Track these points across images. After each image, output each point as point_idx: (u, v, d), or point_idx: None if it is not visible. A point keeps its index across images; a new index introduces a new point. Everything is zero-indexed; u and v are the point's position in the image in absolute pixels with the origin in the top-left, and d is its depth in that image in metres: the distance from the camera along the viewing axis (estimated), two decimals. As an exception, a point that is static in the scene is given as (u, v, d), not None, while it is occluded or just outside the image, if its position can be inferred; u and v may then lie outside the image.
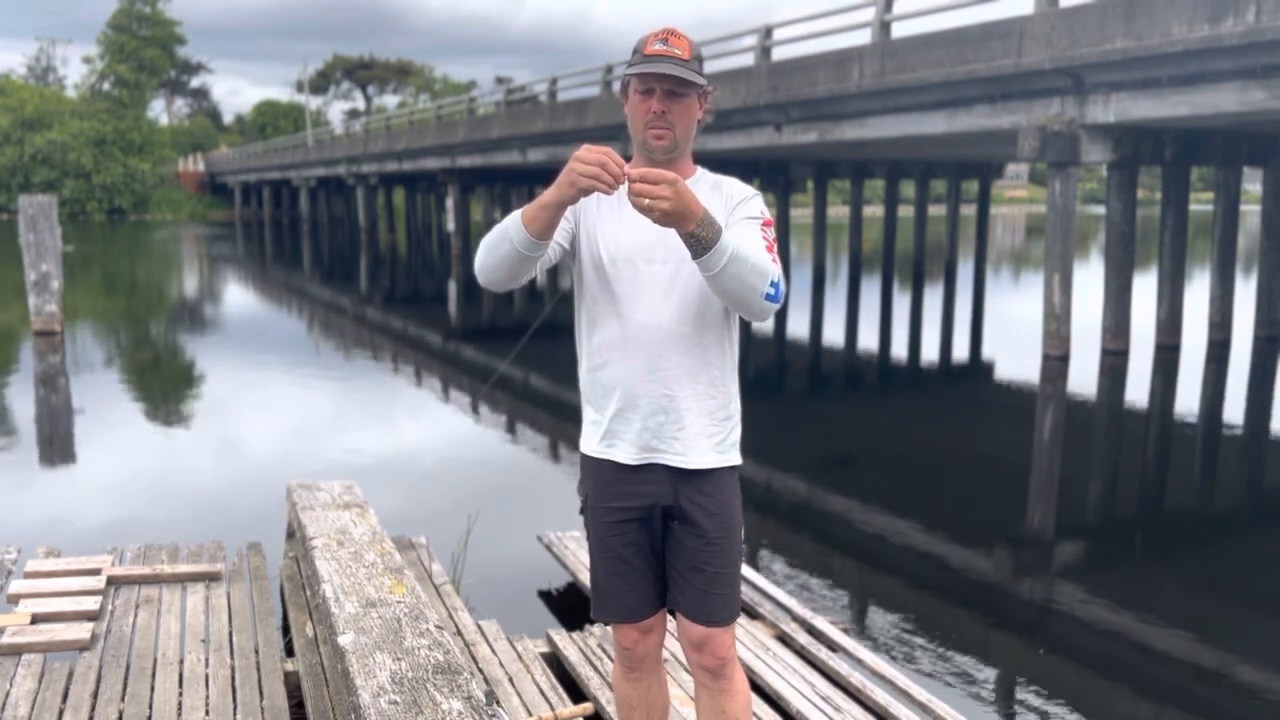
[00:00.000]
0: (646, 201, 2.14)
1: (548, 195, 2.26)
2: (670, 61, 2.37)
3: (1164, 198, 13.99)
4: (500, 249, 2.35)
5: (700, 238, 2.20)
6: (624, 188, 2.19)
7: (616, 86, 2.64)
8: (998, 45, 12.34)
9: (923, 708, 3.67)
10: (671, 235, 2.44)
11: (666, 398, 2.49)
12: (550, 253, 2.46)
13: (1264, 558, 6.19)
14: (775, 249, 2.41)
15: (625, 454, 2.54)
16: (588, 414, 2.63)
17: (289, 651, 4.11)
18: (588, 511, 2.64)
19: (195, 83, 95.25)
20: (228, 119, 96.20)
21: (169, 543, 5.07)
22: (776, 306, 2.35)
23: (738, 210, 2.48)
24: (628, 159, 2.63)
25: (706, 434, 2.52)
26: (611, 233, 2.46)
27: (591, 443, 2.61)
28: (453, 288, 23.55)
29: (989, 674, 4.55)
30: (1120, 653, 4.76)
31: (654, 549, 2.60)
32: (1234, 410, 10.36)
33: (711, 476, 2.55)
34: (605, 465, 2.58)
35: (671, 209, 2.15)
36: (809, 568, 5.82)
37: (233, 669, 3.78)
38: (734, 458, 2.59)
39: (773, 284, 2.31)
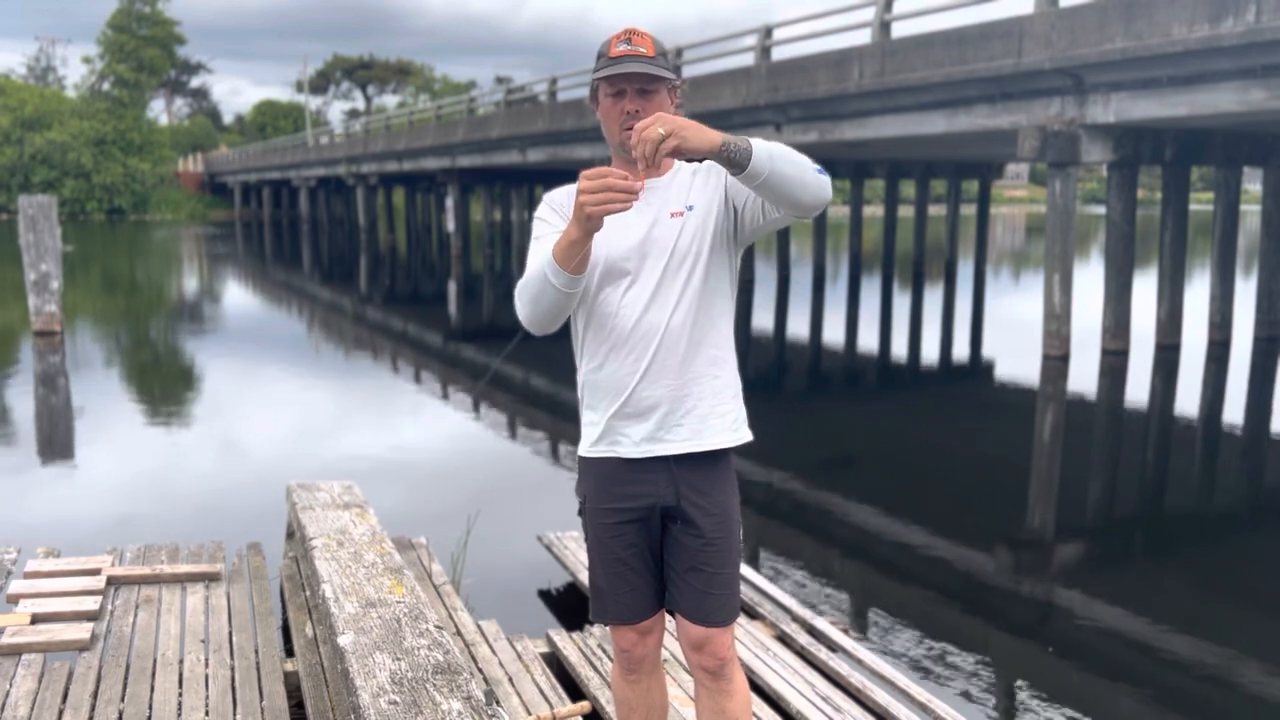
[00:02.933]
0: (674, 143, 2.12)
1: (572, 232, 2.25)
2: (636, 60, 2.38)
3: (1164, 198, 13.99)
4: (545, 298, 2.35)
5: (736, 148, 2.19)
6: (641, 191, 2.20)
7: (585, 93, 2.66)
8: (998, 45, 12.34)
9: (923, 708, 3.67)
10: (662, 229, 2.47)
11: (668, 389, 2.48)
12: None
13: (1264, 558, 6.19)
14: None
15: (627, 450, 2.53)
16: (587, 417, 2.62)
17: (289, 652, 4.10)
18: (586, 513, 2.63)
19: (195, 83, 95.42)
20: (228, 119, 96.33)
21: (169, 543, 5.07)
22: (829, 180, 2.32)
23: (715, 172, 2.51)
24: (609, 162, 2.63)
25: (714, 415, 2.52)
26: (604, 233, 2.47)
27: (588, 444, 2.61)
28: (452, 288, 23.54)
29: (989, 674, 4.55)
30: (1120, 652, 4.76)
31: (653, 550, 2.59)
32: (1234, 410, 10.36)
33: (712, 471, 2.54)
34: (606, 463, 2.56)
35: (688, 132, 2.13)
36: (809, 568, 5.82)
37: (232, 669, 3.78)
38: (744, 434, 2.59)
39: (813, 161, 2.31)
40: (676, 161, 2.55)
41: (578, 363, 2.63)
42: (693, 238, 2.48)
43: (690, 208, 2.50)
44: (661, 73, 2.40)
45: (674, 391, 2.49)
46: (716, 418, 2.52)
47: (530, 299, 2.38)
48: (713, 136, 2.18)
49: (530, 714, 3.53)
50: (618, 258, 2.47)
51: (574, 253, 2.28)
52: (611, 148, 2.52)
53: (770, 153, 2.22)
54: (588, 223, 2.22)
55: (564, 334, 2.69)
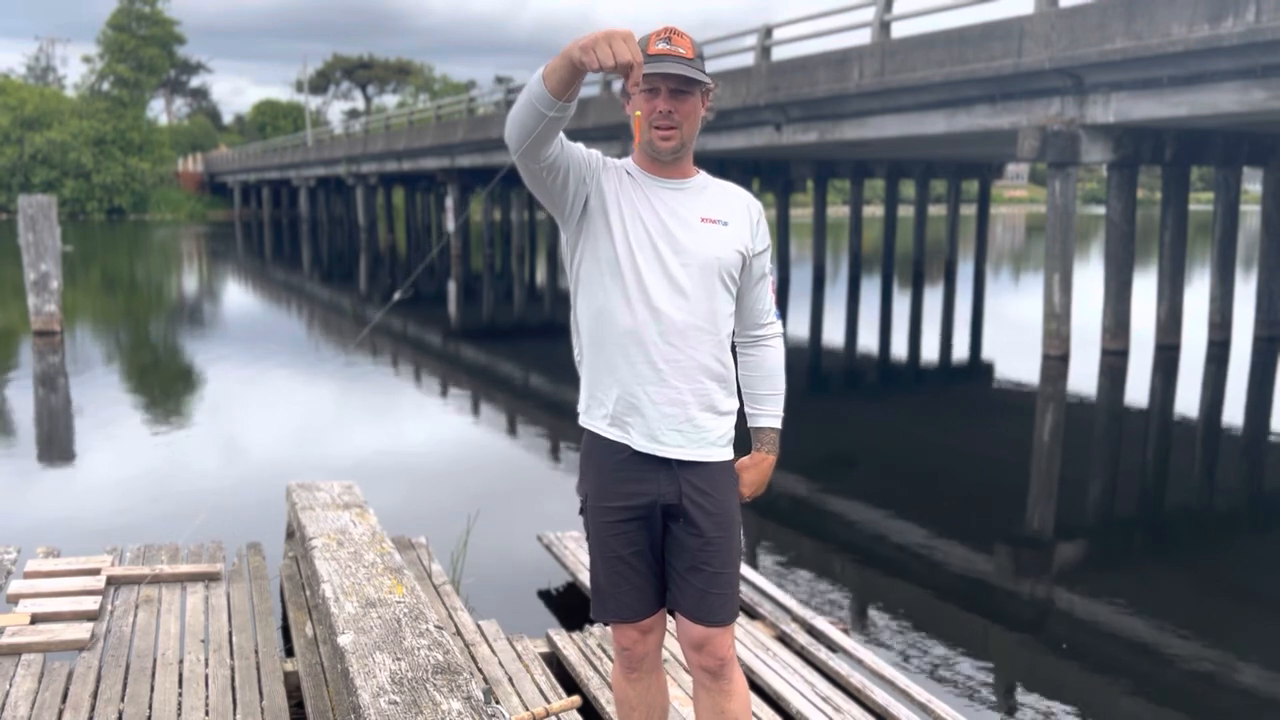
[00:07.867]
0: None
1: (569, 48, 2.18)
2: (676, 61, 2.36)
3: (1164, 198, 13.99)
4: (521, 100, 2.28)
5: (776, 446, 2.73)
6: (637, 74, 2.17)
7: (617, 87, 2.63)
8: (998, 45, 12.34)
9: (923, 708, 3.67)
10: (691, 230, 2.47)
11: (674, 390, 2.46)
12: (568, 164, 2.40)
13: (1264, 558, 6.19)
14: (773, 278, 2.69)
15: (637, 442, 2.50)
16: (589, 390, 2.58)
17: (289, 652, 4.10)
18: (587, 512, 2.62)
19: (195, 82, 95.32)
20: (229, 119, 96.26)
21: (169, 543, 5.07)
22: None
23: (759, 235, 2.57)
24: (626, 155, 2.62)
25: (709, 426, 2.51)
26: (633, 222, 2.44)
27: (593, 420, 2.57)
28: (452, 288, 23.54)
29: (989, 674, 4.55)
30: (1120, 652, 4.76)
31: (654, 549, 2.59)
32: (1234, 410, 10.36)
33: (714, 471, 2.53)
34: (610, 446, 2.53)
35: (762, 489, 2.72)
36: (809, 568, 5.82)
37: (232, 669, 3.78)
38: (729, 453, 2.59)
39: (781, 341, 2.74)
40: (698, 171, 2.57)
41: (580, 345, 2.59)
42: (719, 248, 2.48)
43: (725, 223, 2.50)
44: (699, 76, 2.38)
45: (679, 394, 2.47)
46: (710, 430, 2.52)
47: (514, 108, 2.30)
48: (769, 472, 2.72)
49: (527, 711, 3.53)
50: (646, 245, 2.44)
51: (561, 68, 2.18)
52: (636, 143, 2.49)
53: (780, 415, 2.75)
54: (581, 54, 2.13)
55: (562, 335, 2.68)
